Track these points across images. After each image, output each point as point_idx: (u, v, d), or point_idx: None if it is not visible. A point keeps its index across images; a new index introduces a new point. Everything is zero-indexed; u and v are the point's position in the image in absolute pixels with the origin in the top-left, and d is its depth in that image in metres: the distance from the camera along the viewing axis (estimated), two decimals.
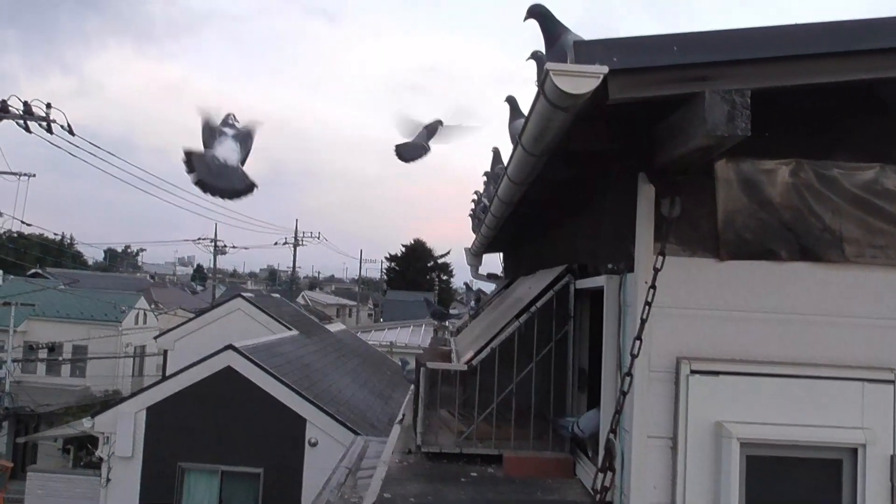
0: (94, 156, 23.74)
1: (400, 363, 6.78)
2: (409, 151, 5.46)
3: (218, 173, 3.66)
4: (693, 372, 3.10)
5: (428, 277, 59.05)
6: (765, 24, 2.52)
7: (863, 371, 3.08)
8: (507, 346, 4.34)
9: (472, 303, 10.19)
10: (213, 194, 3.76)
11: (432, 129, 5.47)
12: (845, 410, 3.08)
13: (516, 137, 3.49)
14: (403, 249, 61.90)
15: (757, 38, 2.51)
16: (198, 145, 3.65)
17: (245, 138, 3.80)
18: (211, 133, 3.70)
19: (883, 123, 3.15)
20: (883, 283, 3.13)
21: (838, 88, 2.74)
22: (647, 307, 3.01)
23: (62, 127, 19.02)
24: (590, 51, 2.52)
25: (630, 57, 2.51)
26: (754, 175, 3.15)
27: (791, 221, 3.15)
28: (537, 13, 3.33)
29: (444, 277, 61.79)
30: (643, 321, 3.01)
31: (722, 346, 3.16)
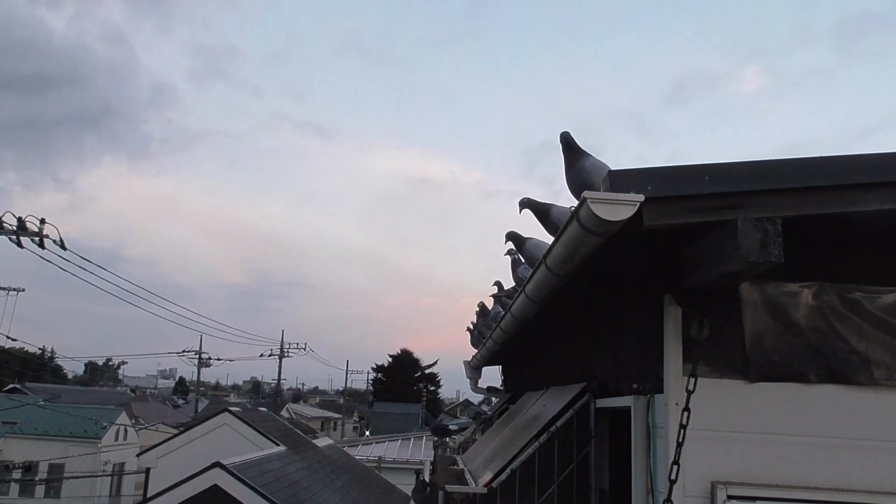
0: (84, 269, 23.66)
1: (416, 480, 6.59)
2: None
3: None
4: (730, 497, 3.04)
5: (415, 388, 58.13)
6: (792, 157, 2.64)
7: None
8: (527, 467, 4.24)
9: (470, 419, 10.03)
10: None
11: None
12: None
13: (541, 258, 3.55)
14: (390, 360, 61.25)
15: (785, 168, 2.62)
16: None
17: None
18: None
19: None
20: None
21: (857, 214, 2.84)
22: (682, 430, 2.99)
23: (54, 241, 19.12)
24: (624, 179, 2.62)
25: (664, 186, 2.61)
26: (779, 297, 3.20)
27: (818, 344, 3.17)
28: (565, 139, 3.48)
29: (432, 388, 60.89)
30: (679, 445, 2.97)
31: (756, 470, 3.11)
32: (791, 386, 3.15)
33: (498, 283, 7.80)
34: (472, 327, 9.46)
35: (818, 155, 2.68)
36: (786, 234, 2.59)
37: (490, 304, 8.49)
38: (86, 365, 68.34)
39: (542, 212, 4.21)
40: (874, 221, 2.91)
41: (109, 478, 31.22)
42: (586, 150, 3.55)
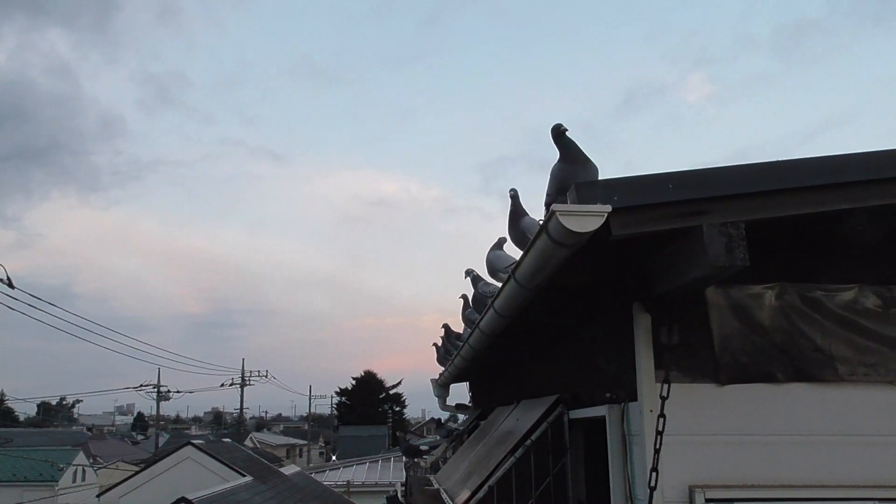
0: (33, 307, 22.89)
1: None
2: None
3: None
4: (708, 500, 3.07)
5: (380, 410, 57.63)
6: (753, 162, 2.70)
7: (873, 490, 3.09)
8: (504, 483, 4.23)
9: (442, 437, 9.99)
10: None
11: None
12: None
13: (509, 272, 3.56)
14: (354, 382, 60.60)
15: (746, 173, 2.69)
16: None
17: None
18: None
19: (855, 247, 3.32)
20: (880, 400, 3.20)
21: (815, 215, 2.92)
22: (658, 436, 3.01)
23: (1, 280, 18.52)
24: (590, 191, 2.65)
25: (630, 196, 2.65)
26: (743, 300, 3.26)
27: (783, 343, 3.24)
28: (559, 132, 3.31)
29: (397, 409, 60.45)
30: (657, 451, 3.00)
31: (732, 471, 3.15)
32: (761, 386, 3.21)
33: (464, 297, 7.81)
34: (438, 344, 9.44)
35: (765, 160, 2.75)
36: (748, 237, 2.65)
37: (456, 323, 8.48)
38: (38, 406, 66.33)
39: (517, 214, 4.22)
40: (831, 221, 2.99)
41: None
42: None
